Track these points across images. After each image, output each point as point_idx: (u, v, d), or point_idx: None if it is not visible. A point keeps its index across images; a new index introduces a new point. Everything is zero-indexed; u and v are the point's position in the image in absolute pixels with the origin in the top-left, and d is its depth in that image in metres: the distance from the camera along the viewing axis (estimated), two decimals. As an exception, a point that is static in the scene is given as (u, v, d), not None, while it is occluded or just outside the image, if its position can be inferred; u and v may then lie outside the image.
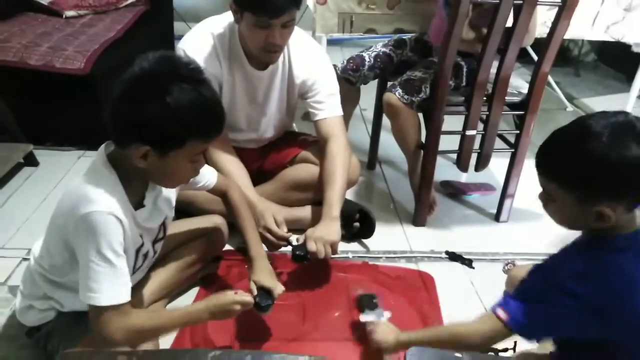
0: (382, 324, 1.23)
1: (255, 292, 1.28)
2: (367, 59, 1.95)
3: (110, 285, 1.00)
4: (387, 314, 1.35)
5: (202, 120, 1.01)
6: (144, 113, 0.97)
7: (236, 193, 1.43)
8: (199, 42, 1.59)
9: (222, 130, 1.08)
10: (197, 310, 1.14)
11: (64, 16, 2.54)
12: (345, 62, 1.98)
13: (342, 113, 1.72)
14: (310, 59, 1.68)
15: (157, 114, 0.97)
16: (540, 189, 0.97)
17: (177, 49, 1.60)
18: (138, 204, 1.12)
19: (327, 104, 1.68)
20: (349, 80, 1.98)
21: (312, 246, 1.45)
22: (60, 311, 1.20)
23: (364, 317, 1.35)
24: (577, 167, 0.88)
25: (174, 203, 1.28)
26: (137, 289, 1.36)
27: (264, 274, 1.32)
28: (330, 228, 1.50)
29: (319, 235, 1.46)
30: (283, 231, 1.55)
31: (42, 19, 2.50)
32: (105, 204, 1.01)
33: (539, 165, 0.95)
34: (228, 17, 1.58)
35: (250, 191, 1.61)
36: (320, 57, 1.71)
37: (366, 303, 1.43)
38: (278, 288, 1.29)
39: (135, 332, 1.05)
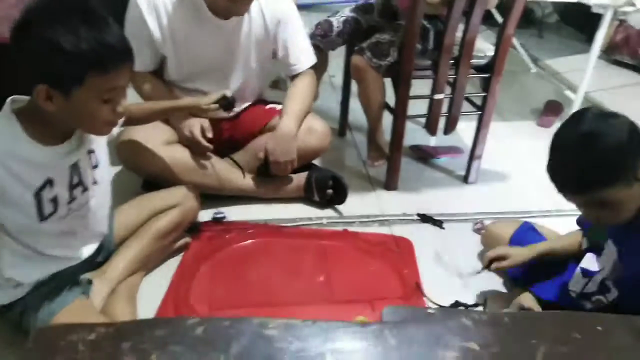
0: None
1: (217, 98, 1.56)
2: (335, 24, 1.93)
3: None
4: None
5: (91, 50, 0.97)
6: (32, 51, 0.97)
7: (132, 107, 1.42)
8: None
9: (121, 60, 1.03)
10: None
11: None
12: (313, 28, 1.96)
13: (314, 61, 1.80)
14: (283, 12, 1.70)
15: (44, 50, 0.96)
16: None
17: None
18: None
19: (301, 59, 1.77)
20: (317, 47, 1.96)
21: (276, 169, 1.68)
22: (31, 287, 1.18)
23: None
24: (610, 160, 0.98)
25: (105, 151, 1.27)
26: (110, 261, 1.36)
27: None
28: (290, 146, 1.66)
29: (284, 159, 1.66)
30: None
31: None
32: None
33: (578, 192, 1.04)
34: None
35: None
36: (292, 11, 1.75)
37: None
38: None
39: None
